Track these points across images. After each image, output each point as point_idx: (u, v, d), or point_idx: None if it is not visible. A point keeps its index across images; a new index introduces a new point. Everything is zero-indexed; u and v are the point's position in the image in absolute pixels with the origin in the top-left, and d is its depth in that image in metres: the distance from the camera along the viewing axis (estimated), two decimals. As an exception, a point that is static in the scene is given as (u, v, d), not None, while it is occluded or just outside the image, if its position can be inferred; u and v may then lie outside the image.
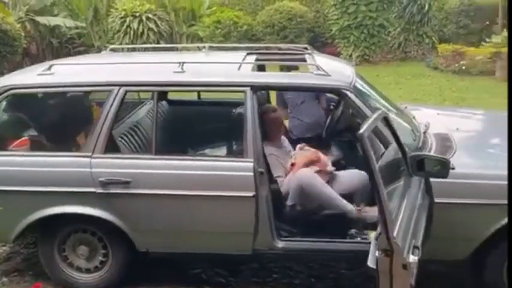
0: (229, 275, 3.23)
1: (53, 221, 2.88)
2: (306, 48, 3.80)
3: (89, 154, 2.81)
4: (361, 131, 1.81)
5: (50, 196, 2.80)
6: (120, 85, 2.86)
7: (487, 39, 9.80)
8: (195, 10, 11.11)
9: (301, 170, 3.03)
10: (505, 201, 2.57)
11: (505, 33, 9.63)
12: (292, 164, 3.10)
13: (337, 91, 2.87)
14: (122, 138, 3.08)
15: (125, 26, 10.23)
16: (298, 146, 3.27)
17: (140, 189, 2.75)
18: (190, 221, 2.83)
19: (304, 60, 3.40)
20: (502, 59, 8.72)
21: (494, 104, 7.11)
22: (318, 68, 2.90)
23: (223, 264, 3.30)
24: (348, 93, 2.80)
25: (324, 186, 2.97)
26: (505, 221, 2.57)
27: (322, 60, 3.27)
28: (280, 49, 4.07)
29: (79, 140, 3.19)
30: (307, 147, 3.29)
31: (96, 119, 2.93)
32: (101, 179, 2.76)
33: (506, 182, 2.62)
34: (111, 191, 2.77)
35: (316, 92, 3.08)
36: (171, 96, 4.05)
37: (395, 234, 1.84)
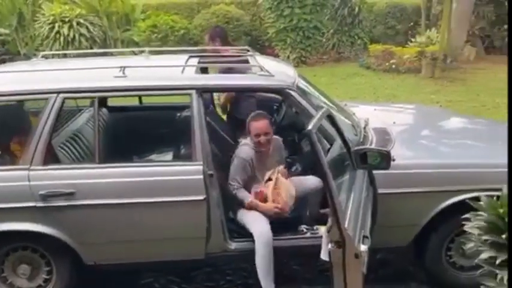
0: (182, 281, 3.19)
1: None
2: (247, 50, 3.85)
3: (27, 166, 2.65)
4: (310, 127, 1.86)
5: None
6: (58, 92, 2.73)
7: (412, 39, 10.45)
8: (129, 14, 10.82)
9: (263, 227, 2.81)
10: (442, 188, 2.77)
11: (428, 33, 10.33)
12: (269, 179, 2.93)
13: (281, 91, 2.92)
14: (61, 148, 2.93)
15: (54, 32, 9.74)
16: (278, 169, 2.98)
17: (85, 200, 2.63)
18: (140, 230, 2.75)
19: (246, 61, 3.43)
20: (426, 58, 9.34)
21: (422, 99, 7.61)
22: (262, 68, 2.94)
23: (176, 271, 3.25)
24: (292, 92, 2.87)
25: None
26: (443, 205, 2.76)
27: (264, 61, 3.32)
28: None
29: (15, 152, 3.00)
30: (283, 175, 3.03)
31: (33, 129, 2.77)
32: (41, 192, 2.61)
33: (440, 170, 2.82)
34: (53, 204, 2.63)
35: (260, 92, 3.13)
36: (111, 102, 3.92)
37: (346, 225, 1.92)
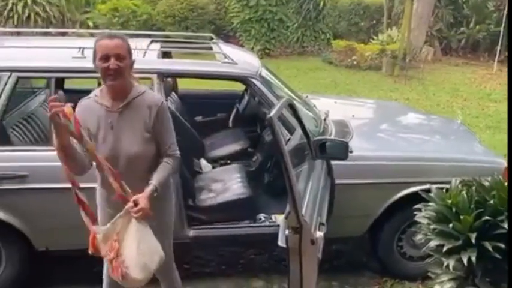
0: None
1: None
2: (211, 38, 3.82)
3: (-24, 147, 2.53)
4: (271, 114, 1.88)
5: None
6: (12, 70, 2.61)
7: (374, 37, 10.71)
8: (89, -4, 10.49)
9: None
10: (395, 180, 2.87)
11: (389, 32, 10.62)
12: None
13: (244, 79, 2.93)
14: (14, 129, 2.82)
15: (7, 10, 9.29)
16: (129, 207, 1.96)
17: (38, 183, 2.54)
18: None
19: (210, 48, 3.41)
20: (387, 56, 9.61)
21: (381, 96, 7.84)
22: (225, 56, 2.93)
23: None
24: (255, 81, 2.88)
25: None
26: (395, 197, 2.87)
27: (228, 49, 3.31)
28: (185, 38, 4.02)
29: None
30: None
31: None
32: (-9, 174, 2.51)
33: (395, 162, 2.92)
34: (4, 186, 2.52)
35: (223, 80, 3.10)
36: (68, 85, 3.78)
37: (303, 212, 1.96)
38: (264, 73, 3.09)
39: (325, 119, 3.18)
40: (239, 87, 4.10)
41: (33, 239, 2.65)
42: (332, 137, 2.92)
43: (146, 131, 2.03)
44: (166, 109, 2.08)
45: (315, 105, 3.47)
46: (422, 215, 2.19)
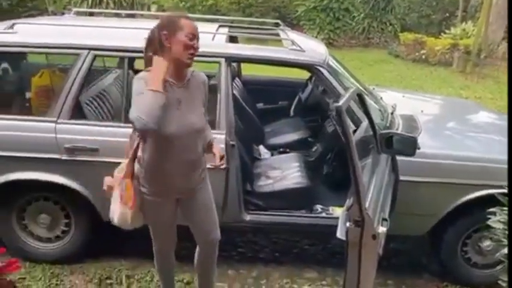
0: (195, 247, 3.22)
1: (13, 187, 2.75)
2: (278, 24, 3.80)
3: (54, 119, 2.69)
4: (340, 103, 1.83)
5: (11, 161, 2.67)
6: (90, 49, 2.74)
7: (447, 31, 10.17)
8: (159, -20, 10.80)
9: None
10: (464, 181, 2.72)
11: (463, 26, 10.03)
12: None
13: (311, 67, 2.88)
14: (88, 104, 2.96)
15: (82, -8, 9.78)
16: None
17: (108, 157, 2.66)
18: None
19: (277, 35, 3.39)
20: (459, 51, 9.09)
21: (450, 93, 7.45)
22: (293, 43, 2.90)
23: (188, 238, 3.29)
24: (322, 69, 2.83)
25: None
26: (464, 199, 2.72)
27: (295, 36, 3.27)
28: (252, 24, 4.03)
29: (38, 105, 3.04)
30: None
31: (60, 83, 2.80)
32: (66, 145, 2.66)
33: (465, 163, 2.77)
34: (77, 158, 2.67)
35: (290, 67, 3.07)
36: (136, 66, 3.92)
37: (367, 205, 1.90)
38: (331, 62, 3.03)
39: (392, 113, 3.07)
40: (302, 75, 4.06)
41: (100, 209, 2.79)
42: (399, 131, 2.81)
43: (203, 106, 2.16)
44: None
45: (381, 98, 3.36)
46: (497, 219, 2.06)
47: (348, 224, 1.91)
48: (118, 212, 2.16)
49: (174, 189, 2.18)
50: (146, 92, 1.90)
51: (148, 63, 2.05)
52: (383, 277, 2.97)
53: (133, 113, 1.89)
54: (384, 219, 2.04)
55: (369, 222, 1.86)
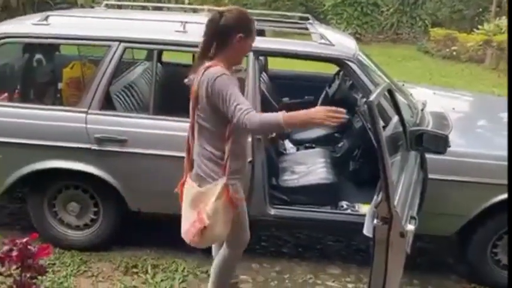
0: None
1: (44, 175, 2.83)
2: (307, 18, 3.76)
3: (85, 110, 2.75)
4: (371, 98, 1.81)
5: (43, 150, 2.74)
6: (120, 41, 2.78)
7: (479, 26, 9.88)
8: (187, -26, 10.84)
9: None
10: (496, 181, 2.65)
11: (497, 21, 9.73)
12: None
13: (340, 61, 2.85)
14: (117, 96, 3.02)
15: (108, -16, 9.92)
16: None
17: (136, 148, 2.71)
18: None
19: (306, 29, 3.36)
20: (492, 47, 8.83)
21: (482, 91, 7.23)
22: (322, 37, 2.87)
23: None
24: (351, 64, 2.80)
25: None
26: (495, 199, 2.65)
27: (324, 30, 3.23)
28: (281, 17, 4.00)
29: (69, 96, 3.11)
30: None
31: (90, 75, 2.86)
32: (96, 135, 2.72)
33: (497, 162, 2.69)
34: (107, 148, 2.73)
35: (319, 61, 3.05)
36: (164, 58, 3.96)
37: (395, 203, 1.87)
38: (361, 57, 2.99)
39: (422, 109, 3.00)
40: (329, 70, 4.02)
41: (128, 199, 2.84)
42: (429, 128, 2.75)
43: None
44: None
45: (411, 94, 3.30)
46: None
47: (375, 221, 1.89)
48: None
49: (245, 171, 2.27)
50: (280, 116, 1.85)
51: (205, 51, 2.02)
52: (408, 276, 2.92)
53: (252, 119, 1.85)
54: (412, 218, 2.01)
55: (397, 220, 1.83)
